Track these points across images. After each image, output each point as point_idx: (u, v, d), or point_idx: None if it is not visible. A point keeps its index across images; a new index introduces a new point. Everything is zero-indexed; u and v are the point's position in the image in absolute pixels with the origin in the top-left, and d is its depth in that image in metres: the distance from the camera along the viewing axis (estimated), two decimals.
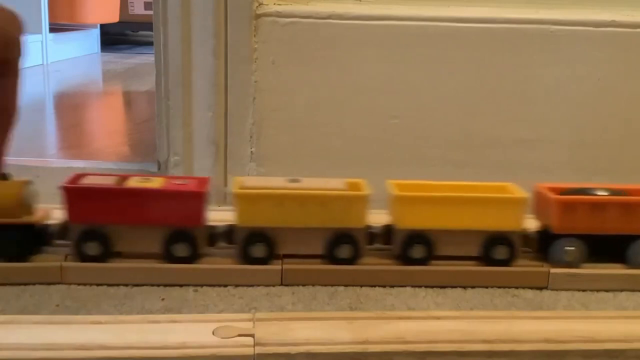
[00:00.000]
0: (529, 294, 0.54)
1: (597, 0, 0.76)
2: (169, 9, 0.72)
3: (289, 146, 0.75)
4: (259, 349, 0.42)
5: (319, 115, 0.75)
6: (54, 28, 2.05)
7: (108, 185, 0.53)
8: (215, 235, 0.55)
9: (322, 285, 0.54)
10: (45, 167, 0.82)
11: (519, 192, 0.56)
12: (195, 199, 0.53)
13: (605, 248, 0.56)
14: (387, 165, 0.75)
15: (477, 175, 0.74)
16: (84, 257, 0.53)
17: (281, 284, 0.54)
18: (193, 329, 0.44)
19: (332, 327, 0.45)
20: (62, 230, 0.54)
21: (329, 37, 0.73)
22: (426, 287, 0.54)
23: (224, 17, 0.71)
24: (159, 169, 0.77)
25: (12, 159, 0.56)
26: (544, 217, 0.57)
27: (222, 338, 0.43)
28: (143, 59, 2.18)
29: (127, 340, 0.43)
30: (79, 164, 0.87)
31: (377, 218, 0.56)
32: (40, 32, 1.90)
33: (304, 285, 0.54)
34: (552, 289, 0.55)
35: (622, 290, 0.55)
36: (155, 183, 0.54)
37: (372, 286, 0.54)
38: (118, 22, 2.43)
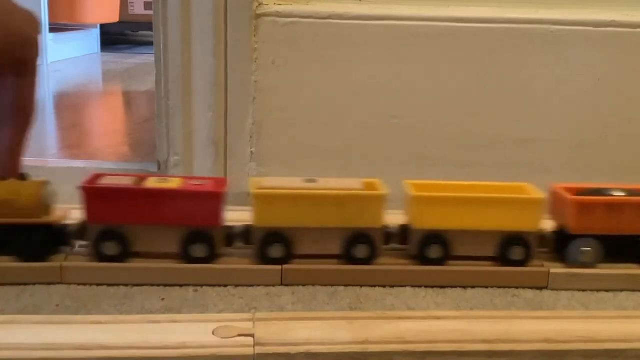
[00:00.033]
0: (529, 294, 0.54)
1: (597, 0, 0.76)
2: (169, 9, 0.72)
3: (289, 146, 0.75)
4: (259, 349, 0.42)
5: (319, 115, 0.75)
6: (54, 28, 2.05)
7: (126, 185, 0.53)
8: (233, 236, 0.55)
9: (322, 285, 0.54)
10: (45, 167, 0.82)
11: (536, 192, 0.55)
12: (214, 200, 0.53)
13: (622, 248, 0.56)
14: (387, 165, 0.75)
15: (477, 175, 0.74)
16: (102, 257, 0.53)
17: (281, 284, 0.54)
18: (193, 329, 0.44)
19: (332, 327, 0.45)
20: (81, 231, 0.54)
21: (329, 37, 0.73)
22: (426, 287, 0.54)
23: (224, 17, 0.72)
24: (159, 169, 0.77)
25: None
26: (560, 218, 0.57)
27: (222, 338, 0.43)
28: (143, 59, 2.18)
29: (127, 340, 0.43)
30: (79, 164, 0.87)
31: (392, 218, 0.56)
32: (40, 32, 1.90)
33: (304, 285, 0.54)
34: (552, 289, 0.55)
35: (622, 290, 0.55)
36: (173, 183, 0.54)
37: (372, 286, 0.54)
38: (118, 22, 2.43)
